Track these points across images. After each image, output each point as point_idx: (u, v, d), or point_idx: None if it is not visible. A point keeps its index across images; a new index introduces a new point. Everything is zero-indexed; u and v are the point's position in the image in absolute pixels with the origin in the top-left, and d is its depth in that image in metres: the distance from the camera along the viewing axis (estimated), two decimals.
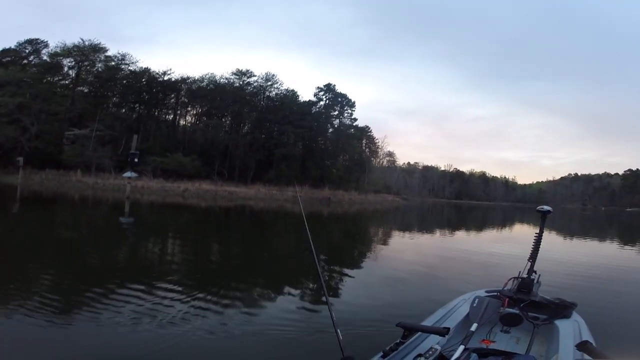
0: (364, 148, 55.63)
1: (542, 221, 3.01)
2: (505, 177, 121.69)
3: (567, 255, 9.41)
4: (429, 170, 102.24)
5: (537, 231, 2.98)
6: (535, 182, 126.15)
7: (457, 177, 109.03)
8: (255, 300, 4.43)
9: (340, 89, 47.92)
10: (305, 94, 50.07)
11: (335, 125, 48.46)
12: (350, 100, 48.31)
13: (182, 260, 6.88)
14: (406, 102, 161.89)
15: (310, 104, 47.02)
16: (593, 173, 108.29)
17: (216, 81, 42.78)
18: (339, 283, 5.44)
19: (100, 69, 38.71)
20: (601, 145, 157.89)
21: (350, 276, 5.94)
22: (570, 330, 2.24)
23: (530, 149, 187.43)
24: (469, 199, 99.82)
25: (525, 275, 2.81)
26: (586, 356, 1.65)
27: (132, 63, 40.06)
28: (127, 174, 20.48)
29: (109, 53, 38.92)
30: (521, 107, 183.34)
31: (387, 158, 75.55)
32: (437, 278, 6.13)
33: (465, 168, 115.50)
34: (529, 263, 2.89)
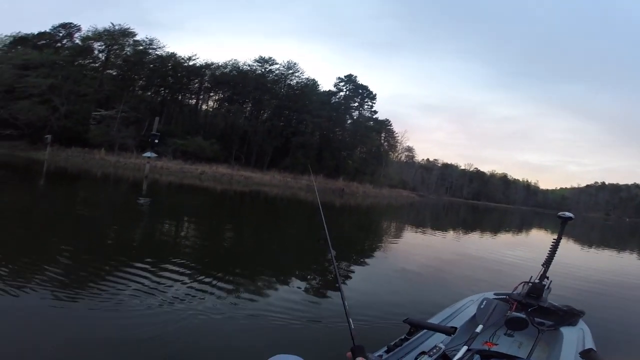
0: (382, 141, 54.84)
1: (562, 227, 2.91)
2: (527, 181, 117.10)
3: (582, 263, 9.24)
4: (448, 168, 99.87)
5: (555, 237, 2.88)
6: (558, 188, 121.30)
7: (476, 177, 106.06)
8: (265, 284, 4.38)
9: (362, 80, 47.43)
10: (326, 84, 49.72)
11: (355, 117, 47.92)
12: (371, 92, 47.62)
13: (194, 242, 6.78)
14: (430, 97, 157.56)
15: (330, 94, 46.61)
16: (621, 183, 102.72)
17: (239, 68, 42.98)
18: (348, 274, 5.36)
19: (128, 53, 39.40)
20: (633, 154, 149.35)
21: (359, 268, 5.85)
22: (574, 338, 2.22)
23: (556, 153, 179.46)
24: (487, 201, 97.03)
25: (537, 281, 2.75)
26: None
27: (160, 48, 40.62)
28: (147, 153, 20.93)
29: (137, 37, 39.52)
30: (551, 109, 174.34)
31: (406, 153, 74.31)
32: (447, 276, 6.00)
33: (486, 168, 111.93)
34: (543, 269, 2.82)
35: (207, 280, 4.02)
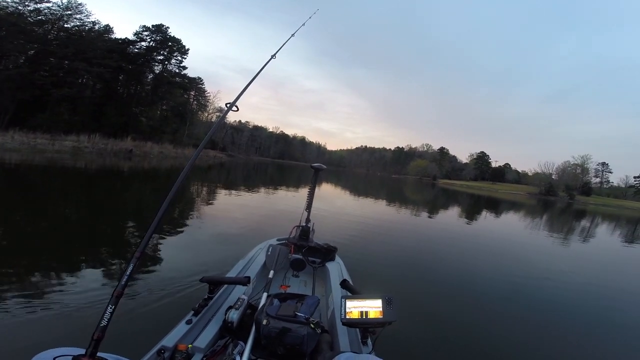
0: (192, 100, 49.18)
1: (315, 177, 3.05)
2: (319, 143, 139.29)
3: (340, 207, 10.58)
4: (258, 130, 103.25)
5: (311, 185, 3.06)
6: (339, 149, 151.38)
7: (282, 139, 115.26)
8: (43, 275, 3.28)
9: (177, 34, 39.73)
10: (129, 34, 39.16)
11: (157, 71, 39.89)
12: (184, 46, 40.44)
13: None
14: (251, 62, 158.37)
15: (126, 42, 36.63)
16: (376, 147, 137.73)
17: None
18: (155, 249, 4.48)
19: None
20: (384, 127, 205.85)
21: (165, 240, 4.92)
22: (336, 271, 2.50)
23: (340, 122, 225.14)
24: (289, 159, 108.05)
25: (304, 224, 2.97)
26: (344, 291, 1.96)
27: None
28: None
29: None
30: (342, 87, 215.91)
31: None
32: (247, 231, 6.01)
33: (290, 132, 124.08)
34: (306, 213, 3.03)
35: None
